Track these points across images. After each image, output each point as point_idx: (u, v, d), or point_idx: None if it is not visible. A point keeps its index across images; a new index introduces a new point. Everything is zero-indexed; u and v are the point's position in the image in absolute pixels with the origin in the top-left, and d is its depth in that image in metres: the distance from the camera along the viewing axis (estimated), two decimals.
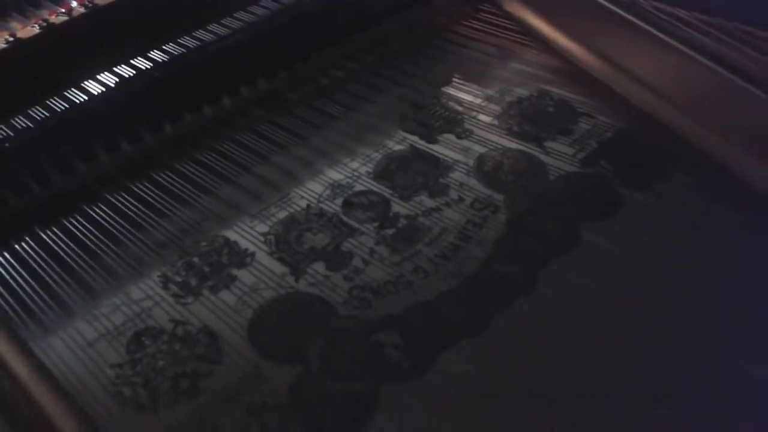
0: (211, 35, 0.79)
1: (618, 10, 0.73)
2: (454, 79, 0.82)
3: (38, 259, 0.63)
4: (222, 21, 0.81)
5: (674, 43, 0.69)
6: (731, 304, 0.60)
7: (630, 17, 0.72)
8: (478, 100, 0.79)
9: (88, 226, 0.66)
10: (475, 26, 0.86)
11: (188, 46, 0.78)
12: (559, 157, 0.73)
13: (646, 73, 0.71)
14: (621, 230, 0.66)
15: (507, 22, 0.85)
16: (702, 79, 0.68)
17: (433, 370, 0.55)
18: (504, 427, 0.52)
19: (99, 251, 0.64)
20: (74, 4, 0.77)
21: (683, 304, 0.60)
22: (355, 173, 0.71)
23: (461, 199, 0.69)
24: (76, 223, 0.66)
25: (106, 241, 0.65)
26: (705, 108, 0.67)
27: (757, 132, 0.64)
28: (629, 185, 0.69)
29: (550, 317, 0.59)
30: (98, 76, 0.74)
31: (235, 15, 0.79)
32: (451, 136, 0.76)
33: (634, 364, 0.56)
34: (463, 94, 0.80)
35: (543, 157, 0.73)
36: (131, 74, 0.75)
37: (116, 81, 0.74)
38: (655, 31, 0.70)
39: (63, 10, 0.77)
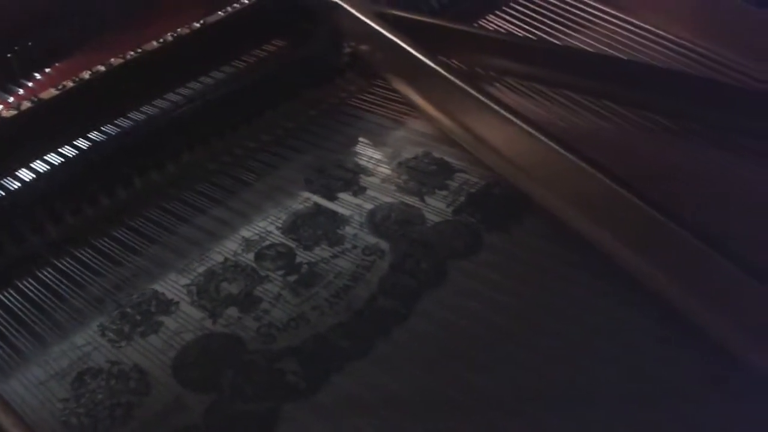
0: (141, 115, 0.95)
1: (469, 89, 0.89)
2: (351, 146, 0.97)
3: None
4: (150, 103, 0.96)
5: (509, 115, 0.85)
6: (572, 330, 0.75)
7: (479, 95, 0.88)
8: (371, 163, 0.94)
9: (37, 286, 0.79)
10: (369, 100, 1.01)
11: (123, 127, 0.93)
12: (436, 208, 0.87)
13: (492, 140, 0.87)
14: (481, 267, 0.81)
15: (395, 95, 1.00)
16: (532, 146, 0.83)
17: (325, 389, 0.69)
18: None
19: (47, 307, 0.77)
20: None
21: (530, 330, 0.75)
22: (266, 230, 0.85)
23: (354, 247, 0.83)
24: (28, 285, 0.79)
25: (53, 298, 0.78)
26: (540, 171, 0.82)
27: (579, 194, 0.80)
28: (490, 230, 0.84)
29: (421, 343, 0.74)
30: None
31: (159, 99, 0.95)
32: (348, 194, 0.90)
33: (490, 376, 0.71)
34: (358, 158, 0.95)
35: (423, 209, 0.88)
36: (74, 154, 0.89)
37: (61, 161, 0.88)
38: (496, 107, 0.86)
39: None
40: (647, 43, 1.03)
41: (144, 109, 0.96)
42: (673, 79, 0.97)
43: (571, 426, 0.65)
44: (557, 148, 0.83)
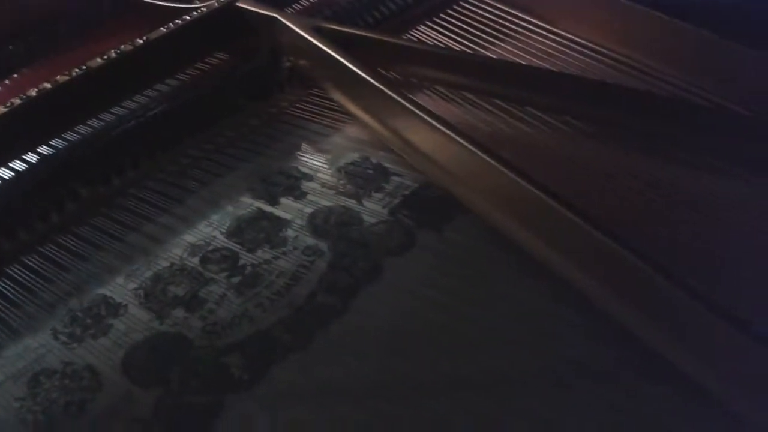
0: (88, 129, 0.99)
1: (401, 98, 0.95)
2: (292, 153, 1.02)
3: None
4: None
5: (436, 122, 0.91)
6: (496, 320, 0.81)
7: (410, 104, 0.94)
8: (311, 169, 0.99)
9: None
10: (309, 109, 1.07)
11: (70, 141, 0.97)
12: (373, 210, 0.93)
13: (424, 146, 0.93)
14: (414, 264, 0.87)
15: (334, 105, 1.06)
16: (459, 150, 0.89)
17: (266, 380, 0.74)
18: (317, 420, 0.71)
19: (1, 313, 0.81)
20: None
21: (458, 321, 0.81)
22: (211, 235, 0.89)
23: (295, 249, 0.88)
24: None
25: (7, 305, 0.81)
26: (466, 174, 0.89)
27: (501, 195, 0.86)
28: (422, 229, 0.90)
29: (358, 336, 0.79)
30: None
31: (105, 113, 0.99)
32: (290, 199, 0.95)
33: (420, 364, 0.76)
34: (299, 165, 1.00)
35: (360, 211, 0.93)
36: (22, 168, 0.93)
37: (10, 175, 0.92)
38: (426, 115, 0.92)
39: None
40: (568, 51, 1.11)
41: (90, 123, 1.00)
42: (592, 86, 1.04)
43: (494, 406, 0.71)
44: (480, 153, 0.89)
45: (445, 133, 0.92)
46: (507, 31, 1.15)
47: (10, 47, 1.17)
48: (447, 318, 0.79)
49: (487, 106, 1.04)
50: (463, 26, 1.17)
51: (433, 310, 0.80)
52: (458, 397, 0.72)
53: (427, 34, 1.20)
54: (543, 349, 0.75)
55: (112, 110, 1.00)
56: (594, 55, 1.11)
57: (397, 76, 1.09)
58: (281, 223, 0.92)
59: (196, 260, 0.87)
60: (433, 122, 0.93)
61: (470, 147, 0.89)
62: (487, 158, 0.88)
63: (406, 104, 0.96)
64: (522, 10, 1.17)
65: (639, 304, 0.76)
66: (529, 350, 0.75)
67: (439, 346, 0.77)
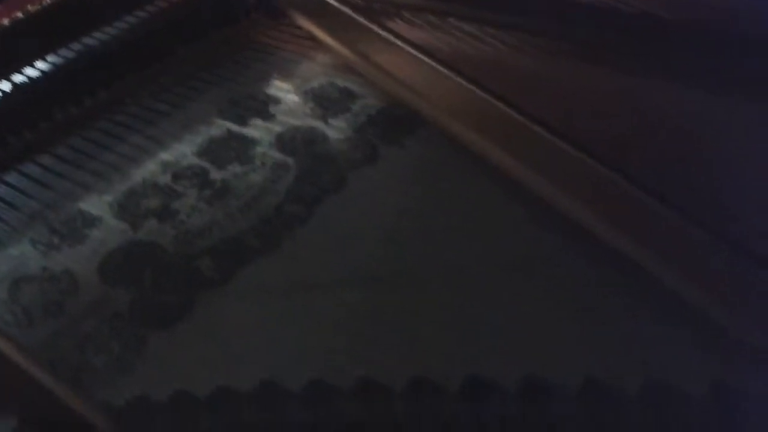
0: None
1: (367, 23, 0.99)
2: (261, 79, 1.05)
3: None
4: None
5: (401, 44, 0.95)
6: (459, 221, 0.85)
7: (376, 28, 0.98)
8: (280, 93, 1.02)
9: None
10: (277, 37, 1.10)
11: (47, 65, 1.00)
12: (338, 128, 0.96)
13: (388, 67, 0.97)
14: (378, 174, 0.91)
15: (300, 31, 1.09)
16: (422, 70, 0.93)
17: (237, 279, 0.78)
18: (285, 310, 0.75)
19: None
20: None
21: (421, 221, 0.85)
22: (182, 154, 0.93)
23: (263, 164, 0.92)
24: None
25: None
26: (429, 91, 0.92)
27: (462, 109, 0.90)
28: (386, 143, 0.94)
29: (322, 239, 0.83)
30: None
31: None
32: (259, 120, 0.99)
33: (381, 258, 0.80)
34: (268, 89, 1.03)
35: (327, 130, 0.97)
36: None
37: None
38: (391, 37, 0.96)
39: None
40: None
41: (63, 50, 1.03)
42: (552, 3, 1.08)
43: (455, 293, 0.75)
44: (443, 70, 0.94)
45: (409, 54, 0.96)
46: None
47: None
48: (409, 218, 0.84)
49: (450, 29, 1.08)
50: None
51: (395, 213, 0.85)
52: (421, 287, 0.76)
53: None
54: (497, 241, 0.80)
55: (86, 36, 1.03)
56: None
57: (362, 2, 1.13)
58: (250, 142, 0.96)
59: (167, 177, 0.91)
60: (398, 43, 0.97)
61: (434, 65, 0.93)
62: (450, 75, 0.92)
63: (372, 28, 1.00)
64: None
65: (580, 195, 0.81)
66: (484, 243, 0.80)
67: (402, 243, 0.81)
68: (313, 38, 1.09)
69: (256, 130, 0.97)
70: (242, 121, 0.99)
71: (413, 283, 0.77)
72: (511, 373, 0.64)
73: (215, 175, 0.91)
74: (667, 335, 0.66)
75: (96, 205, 0.86)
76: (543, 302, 0.71)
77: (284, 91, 1.03)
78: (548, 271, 0.75)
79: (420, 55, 0.96)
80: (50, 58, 1.01)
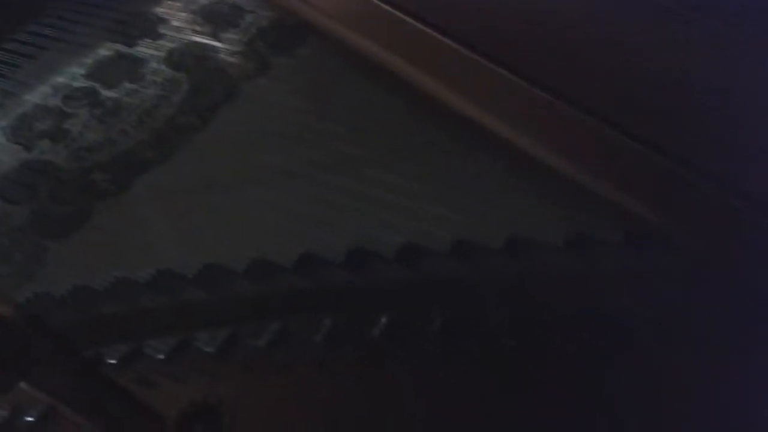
0: None
1: None
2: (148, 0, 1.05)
3: None
4: None
5: None
6: (344, 117, 0.89)
7: None
8: (170, 11, 1.03)
9: None
10: None
11: None
12: (229, 42, 0.98)
13: None
14: (270, 84, 0.93)
15: None
16: None
17: (134, 187, 0.80)
18: (185, 208, 0.77)
19: None
20: None
21: (311, 119, 0.88)
22: (72, 76, 0.93)
23: (155, 82, 0.93)
24: None
25: None
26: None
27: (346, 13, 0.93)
28: (277, 54, 0.96)
29: (218, 144, 0.85)
30: None
31: None
32: (148, 40, 0.99)
33: (275, 156, 0.84)
34: (157, 8, 1.04)
35: (217, 45, 0.98)
36: None
37: None
38: None
39: None
40: None
41: None
42: None
43: (348, 180, 0.78)
44: None
45: None
46: None
47: None
48: (300, 119, 0.86)
49: None
50: None
51: (287, 116, 0.87)
52: (315, 177, 0.79)
53: None
54: (381, 133, 0.84)
55: None
56: None
57: None
58: (140, 61, 0.96)
59: (58, 99, 0.91)
60: None
61: None
62: None
63: None
64: None
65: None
66: (370, 135, 0.84)
67: (295, 140, 0.84)
68: None
69: (146, 48, 0.98)
70: (131, 42, 0.99)
71: (307, 175, 0.80)
72: (393, 241, 0.69)
73: (107, 94, 0.92)
74: (529, 196, 0.72)
75: None
76: (422, 180, 0.76)
77: (174, 10, 1.04)
78: (426, 155, 0.79)
79: None
80: None
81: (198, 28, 1.01)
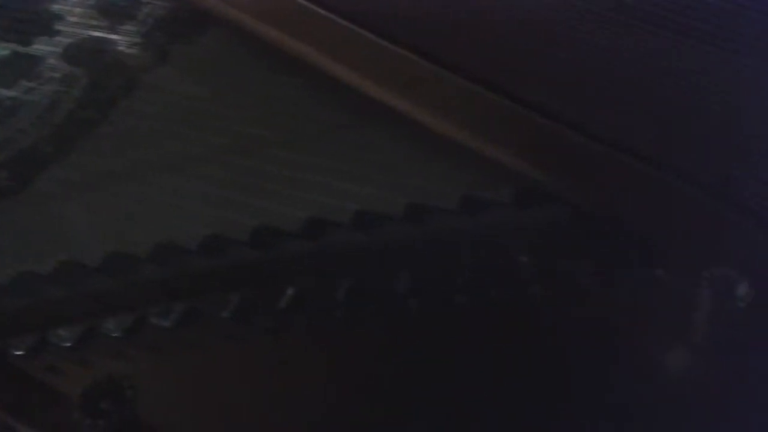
0: None
1: None
2: None
3: None
4: None
5: None
6: (248, 102, 0.90)
7: None
8: (66, 7, 1.02)
9: None
10: None
11: None
12: (127, 34, 0.98)
13: None
14: (170, 74, 0.94)
15: None
16: None
17: (34, 184, 0.79)
18: (91, 200, 0.78)
19: None
20: None
21: (214, 105, 0.89)
22: None
23: (53, 78, 0.92)
24: None
25: None
26: None
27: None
28: (175, 43, 0.96)
29: (120, 136, 0.85)
30: None
31: None
32: (45, 37, 0.98)
33: (175, 144, 0.84)
34: (53, 5, 1.02)
35: (115, 38, 0.98)
36: None
37: None
38: None
39: None
40: None
41: None
42: None
43: (259, 162, 0.79)
44: None
45: None
46: None
47: None
48: (202, 106, 0.87)
49: None
50: None
51: (188, 104, 0.88)
52: (218, 161, 0.81)
53: None
54: (283, 115, 0.85)
55: None
56: None
57: None
58: (37, 60, 0.95)
59: None
60: None
61: None
62: None
63: None
64: None
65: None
66: (275, 118, 0.85)
67: (197, 126, 0.84)
68: None
69: (43, 46, 0.97)
70: (27, 41, 0.98)
71: (211, 159, 0.81)
72: (298, 216, 0.71)
73: (4, 94, 0.90)
74: (423, 165, 0.75)
75: None
76: (323, 157, 0.78)
77: (70, 6, 1.03)
78: (327, 133, 0.81)
79: None
80: None
81: (95, 23, 1.00)
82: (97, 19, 1.01)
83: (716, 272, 0.54)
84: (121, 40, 0.98)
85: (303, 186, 0.77)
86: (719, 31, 0.87)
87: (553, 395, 0.57)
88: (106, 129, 0.86)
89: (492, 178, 0.72)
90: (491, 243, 0.68)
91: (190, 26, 0.99)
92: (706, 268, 0.54)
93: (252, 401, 0.59)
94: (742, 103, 0.81)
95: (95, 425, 0.54)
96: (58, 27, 1.00)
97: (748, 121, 0.78)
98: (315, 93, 0.85)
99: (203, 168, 0.80)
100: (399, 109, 0.79)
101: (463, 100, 0.75)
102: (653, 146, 0.72)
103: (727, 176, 0.64)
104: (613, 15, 0.90)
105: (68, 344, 0.61)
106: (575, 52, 0.83)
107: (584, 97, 0.80)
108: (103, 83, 0.91)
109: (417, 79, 0.81)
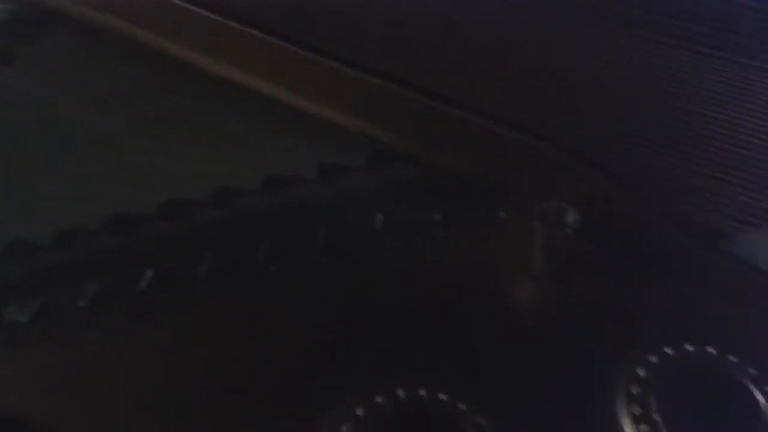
0: None
1: None
2: None
3: None
4: None
5: None
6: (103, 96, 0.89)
7: None
8: None
9: None
10: None
11: None
12: None
13: None
14: (16, 74, 0.91)
15: None
16: None
17: None
18: None
19: None
20: None
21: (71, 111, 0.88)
22: None
23: None
24: None
25: None
26: None
27: None
28: (21, 45, 0.94)
29: None
30: None
31: None
32: None
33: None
34: None
35: None
36: None
37: None
38: None
39: None
40: None
41: None
42: None
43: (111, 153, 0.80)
44: None
45: None
46: None
47: None
48: (51, 103, 0.85)
49: None
50: None
51: (37, 101, 0.86)
52: (71, 155, 0.79)
53: None
54: (137, 106, 0.84)
55: None
56: None
57: None
58: None
59: None
60: None
61: None
62: None
63: None
64: None
65: None
66: (129, 109, 0.83)
67: (49, 124, 0.83)
68: None
69: None
70: None
71: (64, 154, 0.79)
72: (155, 201, 0.71)
73: None
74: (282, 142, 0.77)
75: None
76: (180, 142, 0.78)
77: None
78: (182, 119, 0.82)
79: None
80: None
81: None
82: None
83: (547, 206, 0.57)
84: None
85: (161, 170, 0.77)
86: None
87: (405, 334, 0.58)
88: None
89: (345, 146, 0.74)
90: (349, 204, 0.70)
91: (37, 27, 0.97)
92: (538, 203, 0.58)
93: (117, 385, 0.59)
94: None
95: None
96: None
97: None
98: (164, 79, 0.85)
99: (54, 164, 0.79)
100: (251, 87, 0.80)
101: (310, 73, 0.77)
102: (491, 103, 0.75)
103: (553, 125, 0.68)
104: None
105: None
106: (412, 18, 0.86)
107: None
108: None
109: (265, 57, 0.82)
